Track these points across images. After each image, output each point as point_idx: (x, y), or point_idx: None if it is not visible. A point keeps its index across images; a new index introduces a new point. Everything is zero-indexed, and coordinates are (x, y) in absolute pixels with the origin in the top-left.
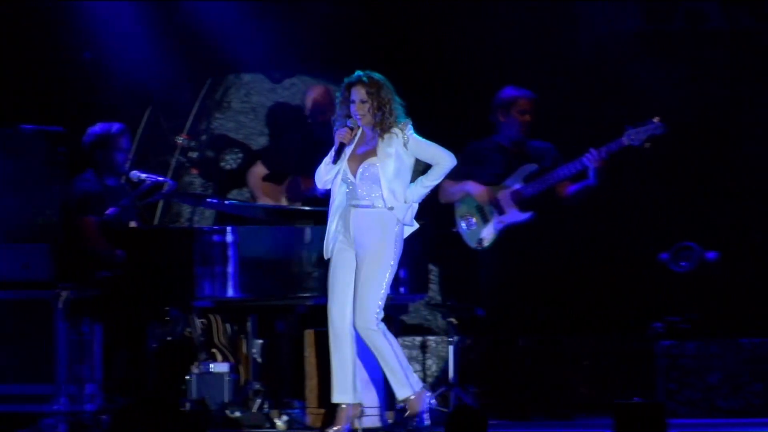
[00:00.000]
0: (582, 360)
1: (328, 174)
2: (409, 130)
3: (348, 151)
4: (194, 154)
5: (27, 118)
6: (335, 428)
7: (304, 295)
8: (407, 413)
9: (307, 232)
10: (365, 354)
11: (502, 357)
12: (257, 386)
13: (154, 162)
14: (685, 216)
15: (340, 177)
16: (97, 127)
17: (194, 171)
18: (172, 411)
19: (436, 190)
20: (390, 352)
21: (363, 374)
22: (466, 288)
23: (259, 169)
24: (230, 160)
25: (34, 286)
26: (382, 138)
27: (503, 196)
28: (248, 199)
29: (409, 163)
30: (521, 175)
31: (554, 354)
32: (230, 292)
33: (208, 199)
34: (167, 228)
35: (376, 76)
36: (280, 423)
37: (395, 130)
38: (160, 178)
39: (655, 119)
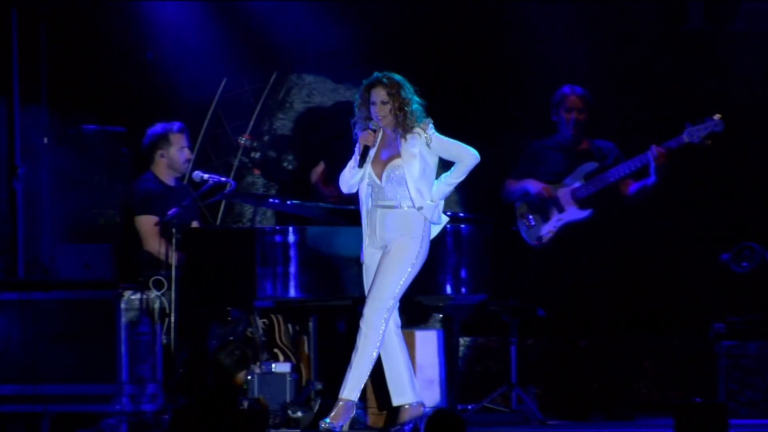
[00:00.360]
0: (643, 360)
1: (353, 178)
2: (431, 130)
3: (371, 153)
4: (256, 155)
5: (90, 118)
6: (396, 428)
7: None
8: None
9: None
10: (425, 354)
11: (563, 357)
12: (318, 386)
13: (217, 162)
14: (747, 216)
15: (366, 180)
16: (157, 127)
17: (256, 171)
18: (231, 410)
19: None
20: (372, 353)
21: (424, 375)
22: (525, 288)
23: (321, 169)
24: (292, 160)
25: (96, 286)
26: (405, 139)
27: (563, 194)
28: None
29: (433, 162)
30: (581, 174)
31: (615, 354)
32: (291, 292)
33: (270, 199)
34: (229, 228)
35: (396, 77)
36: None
37: (417, 130)
38: (222, 179)
39: (716, 117)
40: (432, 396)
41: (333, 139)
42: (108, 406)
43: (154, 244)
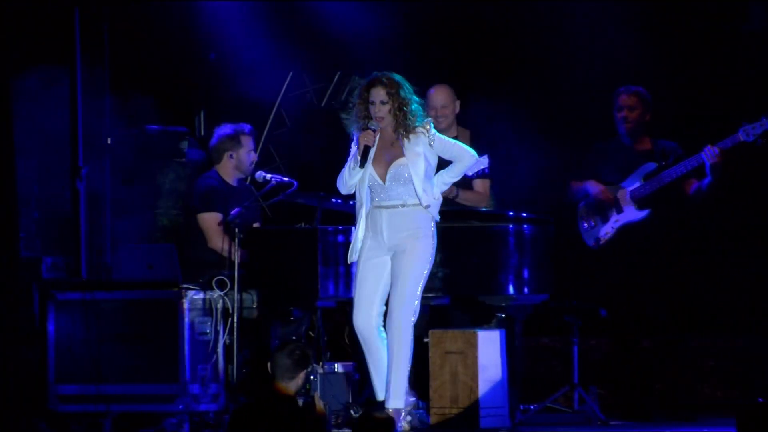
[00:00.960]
0: (706, 360)
1: (353, 179)
2: (433, 130)
3: (371, 153)
4: None
5: (153, 118)
6: None
7: (429, 295)
8: None
9: None
10: (488, 355)
11: (626, 357)
12: None
13: (279, 162)
14: None
15: (366, 180)
16: (227, 128)
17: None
18: (290, 408)
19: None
20: (409, 355)
21: (486, 375)
22: (585, 288)
23: None
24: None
25: (159, 286)
26: (408, 138)
27: (621, 194)
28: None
29: (434, 162)
30: (641, 174)
31: (678, 354)
32: (353, 293)
33: (332, 200)
34: (291, 228)
35: (396, 76)
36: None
37: (420, 130)
38: (285, 179)
39: None
40: (494, 396)
41: None
42: (170, 406)
43: (218, 241)
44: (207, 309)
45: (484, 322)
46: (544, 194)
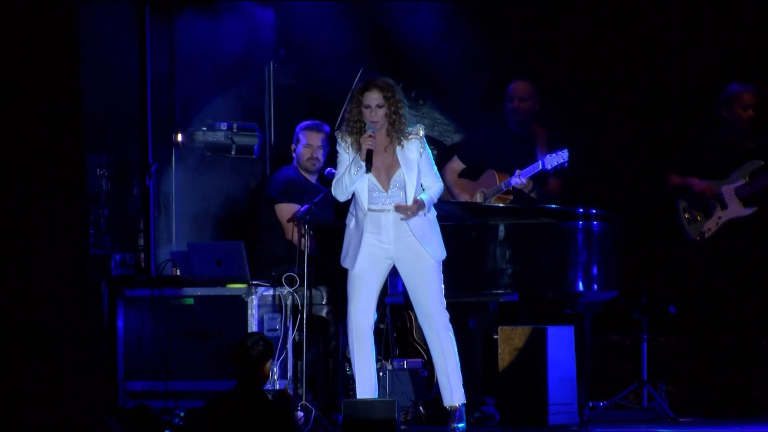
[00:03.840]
0: None
1: (354, 184)
2: (424, 140)
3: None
4: None
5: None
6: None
7: (498, 291)
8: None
9: (501, 229)
10: (557, 351)
11: (695, 355)
12: None
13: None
14: None
15: (366, 185)
16: (301, 123)
17: None
18: (260, 401)
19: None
20: (456, 353)
21: (555, 371)
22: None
23: (455, 165)
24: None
25: (227, 282)
26: (401, 144)
27: (726, 190)
28: (445, 195)
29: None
30: (746, 171)
31: (748, 353)
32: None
33: None
34: None
35: (390, 80)
36: (471, 420)
37: (414, 136)
38: None
39: None
40: (563, 393)
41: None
42: None
43: (290, 232)
44: (276, 305)
45: (554, 319)
46: (619, 188)
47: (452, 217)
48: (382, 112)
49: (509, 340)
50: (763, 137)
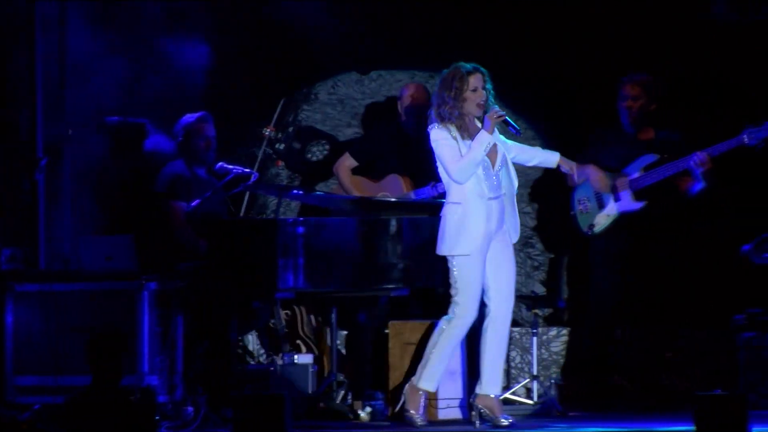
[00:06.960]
0: (664, 352)
1: (477, 167)
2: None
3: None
4: (281, 146)
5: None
6: (413, 411)
7: (389, 286)
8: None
9: (393, 224)
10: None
11: (587, 349)
12: (340, 377)
13: (241, 153)
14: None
15: (480, 169)
16: (185, 117)
17: (279, 163)
18: (119, 398)
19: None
20: None
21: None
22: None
23: (347, 162)
24: (317, 152)
25: (117, 277)
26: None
27: (621, 183)
28: (334, 190)
29: None
30: (640, 164)
31: (639, 346)
32: (311, 284)
33: (293, 191)
34: (250, 219)
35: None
36: (363, 414)
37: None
38: (246, 170)
39: None
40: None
41: (361, 130)
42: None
43: (179, 230)
44: (166, 300)
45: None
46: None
47: (341, 211)
48: (485, 95)
49: (400, 335)
50: (663, 130)
